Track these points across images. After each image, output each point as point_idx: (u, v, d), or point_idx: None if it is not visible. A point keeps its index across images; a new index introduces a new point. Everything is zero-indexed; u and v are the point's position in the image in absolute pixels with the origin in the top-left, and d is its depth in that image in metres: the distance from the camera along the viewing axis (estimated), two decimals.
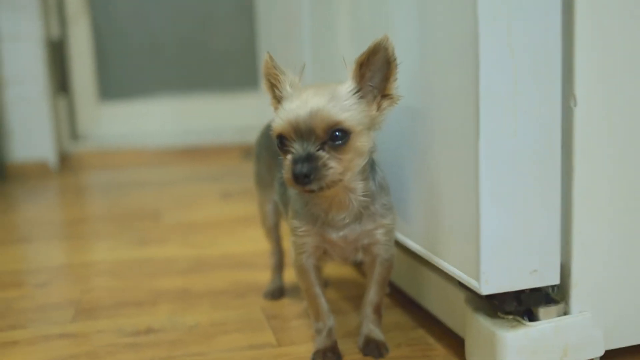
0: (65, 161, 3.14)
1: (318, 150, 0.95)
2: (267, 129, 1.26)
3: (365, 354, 1.11)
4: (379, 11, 1.17)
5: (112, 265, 1.70)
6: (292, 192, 1.08)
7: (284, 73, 1.03)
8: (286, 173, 0.96)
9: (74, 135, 3.29)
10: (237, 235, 1.92)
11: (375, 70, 0.97)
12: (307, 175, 0.93)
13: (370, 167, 1.04)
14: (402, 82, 1.08)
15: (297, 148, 0.95)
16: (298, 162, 0.94)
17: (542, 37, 0.87)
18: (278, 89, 1.03)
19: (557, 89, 0.89)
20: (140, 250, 1.81)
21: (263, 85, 1.06)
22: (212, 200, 2.41)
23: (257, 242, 1.75)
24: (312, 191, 0.96)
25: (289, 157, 0.96)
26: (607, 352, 0.97)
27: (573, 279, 0.93)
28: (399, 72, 0.96)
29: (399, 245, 1.16)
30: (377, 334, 1.13)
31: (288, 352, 1.15)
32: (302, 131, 0.95)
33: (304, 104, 0.96)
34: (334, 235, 1.05)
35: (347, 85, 0.98)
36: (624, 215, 0.95)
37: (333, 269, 1.53)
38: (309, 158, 0.94)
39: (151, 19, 3.39)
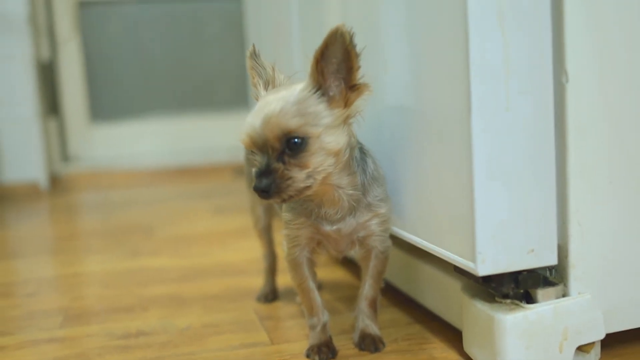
0: (57, 183, 3.12)
1: (278, 160, 0.92)
2: None
3: (361, 349, 1.09)
4: (369, 18, 1.15)
5: (103, 276, 1.68)
6: None
7: (262, 73, 1.02)
8: (253, 186, 0.94)
9: (65, 156, 3.27)
10: (229, 247, 1.90)
11: (337, 63, 0.93)
12: (265, 190, 0.92)
13: (360, 159, 1.02)
14: (394, 72, 1.08)
15: (259, 160, 0.94)
16: (257, 176, 0.92)
17: (532, 12, 0.86)
18: (257, 91, 1.02)
19: (548, 65, 0.88)
20: (131, 261, 1.79)
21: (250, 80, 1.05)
22: (205, 216, 2.39)
23: (249, 252, 1.73)
24: (283, 201, 0.94)
25: (253, 170, 0.94)
26: (608, 335, 0.95)
27: (571, 259, 0.91)
28: (362, 60, 0.92)
29: (394, 242, 1.14)
30: (373, 328, 1.10)
31: (282, 349, 1.12)
32: (258, 143, 0.93)
33: (258, 114, 0.94)
34: (328, 228, 1.03)
35: (303, 86, 0.95)
36: (622, 194, 0.93)
37: (326, 272, 1.51)
38: (267, 172, 0.92)
39: (142, 40, 3.39)
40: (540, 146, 0.89)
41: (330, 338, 1.09)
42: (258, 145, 0.94)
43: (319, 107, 0.94)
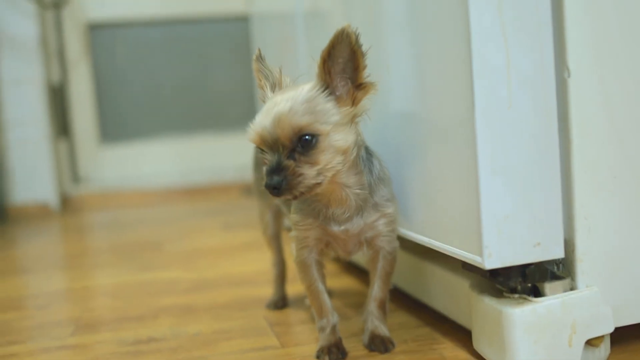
0: (67, 203, 3.14)
1: (288, 158, 0.94)
2: None
3: (371, 350, 1.09)
4: (372, 22, 1.17)
5: (113, 288, 1.69)
6: None
7: (268, 76, 1.04)
8: (264, 184, 0.95)
9: (76, 177, 3.30)
10: (238, 259, 1.91)
11: (343, 63, 0.95)
12: (276, 187, 0.93)
13: (366, 159, 1.03)
14: (397, 71, 1.09)
15: (269, 158, 0.95)
16: (268, 174, 0.94)
17: (532, 10, 0.88)
18: (263, 93, 1.03)
19: (549, 61, 0.89)
20: (141, 274, 1.80)
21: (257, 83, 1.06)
22: (214, 231, 2.40)
23: (257, 263, 1.74)
24: (294, 197, 0.95)
25: (264, 167, 0.96)
26: (618, 330, 0.95)
27: (578, 253, 0.92)
28: (368, 59, 0.93)
29: (401, 245, 1.14)
30: (383, 329, 1.11)
31: (292, 352, 1.13)
32: (269, 142, 0.95)
33: (268, 113, 0.96)
34: (336, 229, 1.04)
35: (312, 85, 0.97)
36: (627, 187, 0.93)
37: (335, 280, 1.51)
38: (278, 169, 0.93)
39: (150, 62, 3.43)
40: (544, 142, 0.89)
41: (340, 339, 1.09)
42: (268, 143, 0.95)
43: (327, 105, 0.95)
